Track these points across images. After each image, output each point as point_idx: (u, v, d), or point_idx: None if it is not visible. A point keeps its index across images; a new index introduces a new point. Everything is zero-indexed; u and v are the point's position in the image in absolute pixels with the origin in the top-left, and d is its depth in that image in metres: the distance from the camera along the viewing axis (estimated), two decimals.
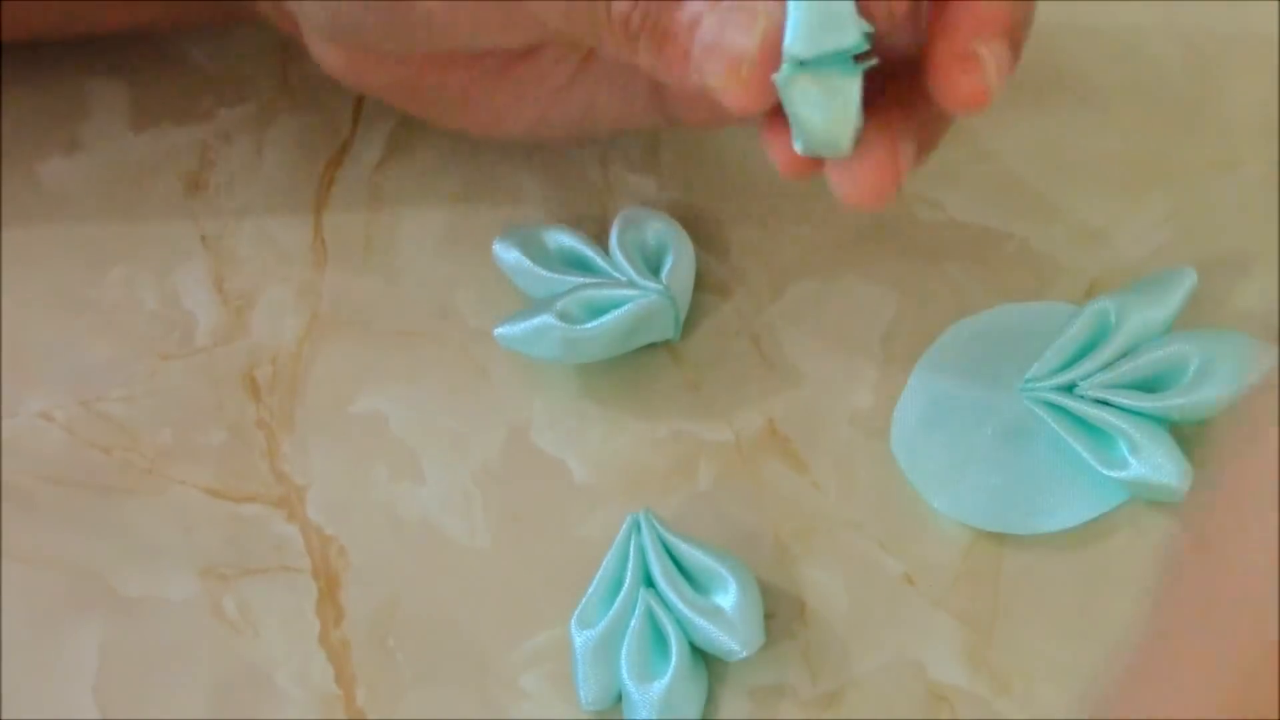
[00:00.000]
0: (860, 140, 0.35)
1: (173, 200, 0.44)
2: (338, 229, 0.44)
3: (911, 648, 0.37)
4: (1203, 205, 0.42)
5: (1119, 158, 0.43)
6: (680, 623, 0.37)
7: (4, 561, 0.39)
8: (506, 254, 0.41)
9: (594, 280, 0.41)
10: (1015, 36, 0.35)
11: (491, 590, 0.39)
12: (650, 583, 0.37)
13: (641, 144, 0.44)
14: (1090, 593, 0.37)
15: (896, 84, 0.35)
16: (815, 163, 0.36)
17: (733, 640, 0.36)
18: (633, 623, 0.37)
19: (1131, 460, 0.37)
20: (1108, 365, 0.38)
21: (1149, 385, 0.38)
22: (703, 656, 0.37)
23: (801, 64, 0.34)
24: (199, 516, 0.40)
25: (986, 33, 0.34)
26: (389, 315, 0.42)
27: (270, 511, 0.40)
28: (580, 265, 0.41)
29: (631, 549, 0.37)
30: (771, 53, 0.34)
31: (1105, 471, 0.38)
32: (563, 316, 0.39)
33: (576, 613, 0.37)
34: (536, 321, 0.39)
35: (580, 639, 0.37)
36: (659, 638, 0.37)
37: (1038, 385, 0.39)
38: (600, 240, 0.42)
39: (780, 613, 0.38)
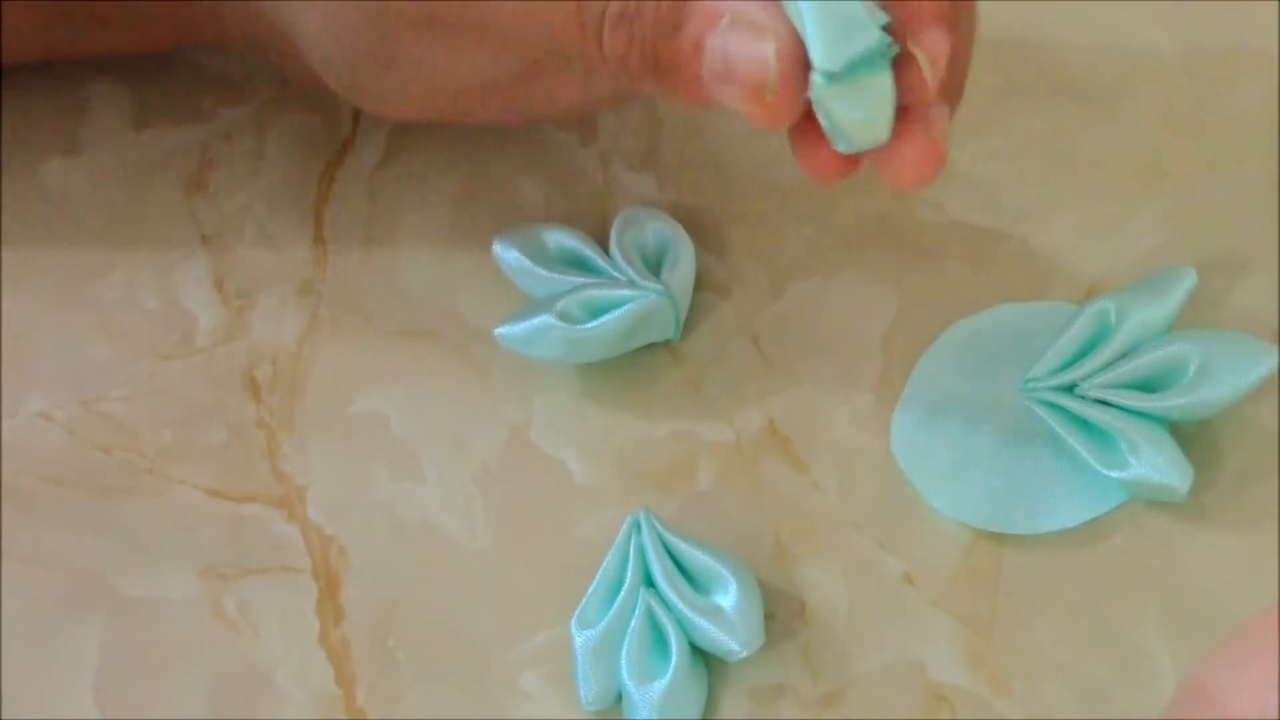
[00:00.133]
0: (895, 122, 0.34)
1: (173, 200, 0.44)
2: (338, 229, 0.44)
3: (911, 648, 0.37)
4: (1203, 205, 0.42)
5: (1119, 158, 0.43)
6: (680, 623, 0.37)
7: (4, 561, 0.39)
8: (506, 254, 0.41)
9: (594, 280, 0.41)
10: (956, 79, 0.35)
11: (491, 590, 0.39)
12: (650, 583, 0.37)
13: (641, 144, 0.44)
14: (1090, 593, 0.37)
15: (903, 50, 0.35)
16: (850, 163, 0.35)
17: (733, 640, 0.36)
18: (633, 623, 0.37)
19: (1131, 460, 0.37)
20: (1108, 365, 0.38)
21: (1149, 385, 0.38)
22: (703, 656, 0.37)
23: (831, 75, 0.33)
24: (199, 516, 0.40)
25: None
26: (389, 315, 0.42)
27: (270, 511, 0.40)
28: (580, 265, 0.41)
29: (631, 549, 0.37)
30: (792, 71, 0.34)
31: (1105, 471, 0.38)
32: (563, 316, 0.39)
33: (576, 613, 0.37)
34: (537, 321, 0.39)
35: (580, 639, 0.37)
36: (659, 638, 0.37)
37: (1038, 385, 0.39)
38: (600, 240, 0.42)
39: (780, 613, 0.38)
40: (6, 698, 0.38)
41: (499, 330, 0.40)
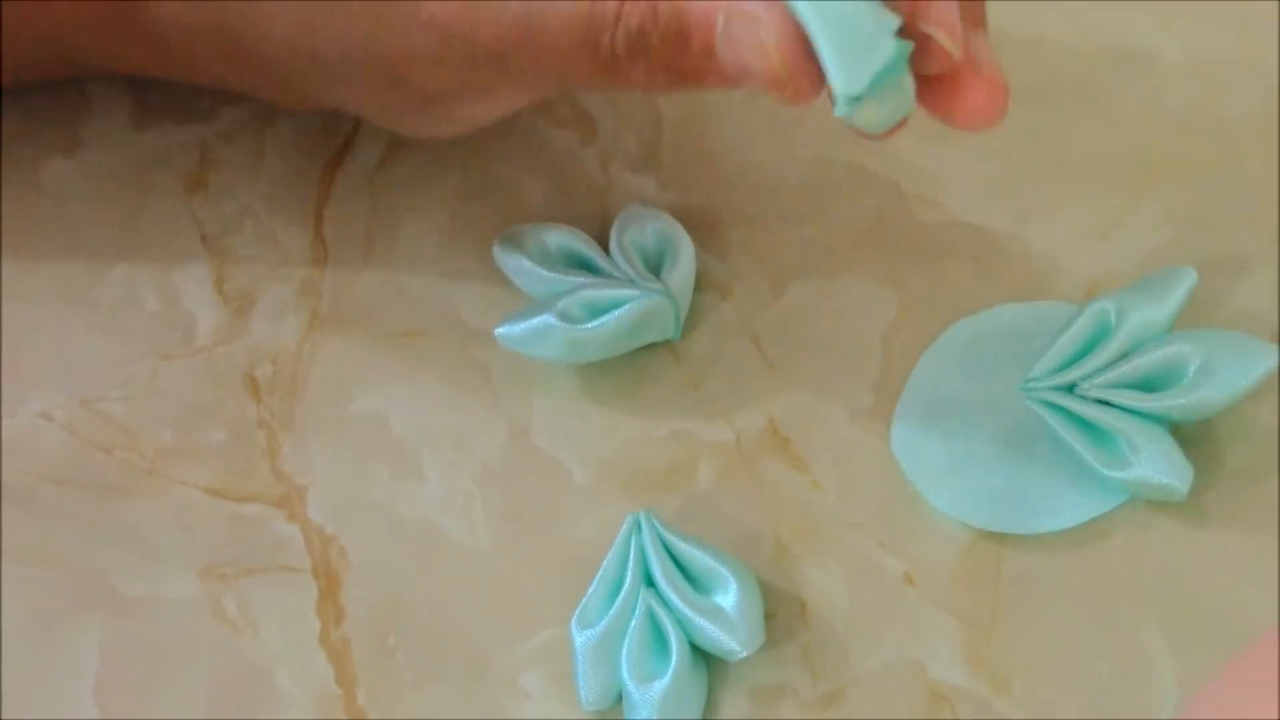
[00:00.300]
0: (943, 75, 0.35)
1: (173, 200, 0.44)
2: (338, 229, 0.44)
3: (911, 648, 0.37)
4: (1203, 205, 0.42)
5: (1119, 158, 0.43)
6: (680, 623, 0.37)
7: (4, 561, 0.39)
8: (506, 254, 0.41)
9: (594, 280, 0.41)
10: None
11: (492, 590, 0.39)
12: (650, 583, 0.37)
13: (641, 144, 0.44)
14: (1090, 593, 0.37)
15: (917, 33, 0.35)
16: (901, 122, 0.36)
17: (733, 640, 0.36)
18: (633, 623, 0.37)
19: (1131, 460, 0.37)
20: (1108, 365, 0.38)
21: (1149, 385, 0.38)
22: (703, 656, 0.37)
23: (855, 98, 0.34)
24: (199, 516, 0.40)
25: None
26: (389, 315, 0.42)
27: (270, 511, 0.40)
28: (580, 265, 0.41)
29: (632, 549, 0.37)
30: (797, 56, 0.34)
31: (1105, 471, 0.38)
32: (563, 316, 0.39)
33: (577, 613, 0.37)
34: (537, 321, 0.39)
35: (580, 639, 0.37)
36: (659, 638, 0.37)
37: (1038, 385, 0.39)
38: (600, 240, 0.42)
39: (780, 613, 0.38)
40: (6, 698, 0.38)
41: (499, 330, 0.40)
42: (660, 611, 0.37)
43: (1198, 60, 0.44)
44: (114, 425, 0.41)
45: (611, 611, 0.37)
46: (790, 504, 0.39)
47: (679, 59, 0.36)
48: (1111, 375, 0.38)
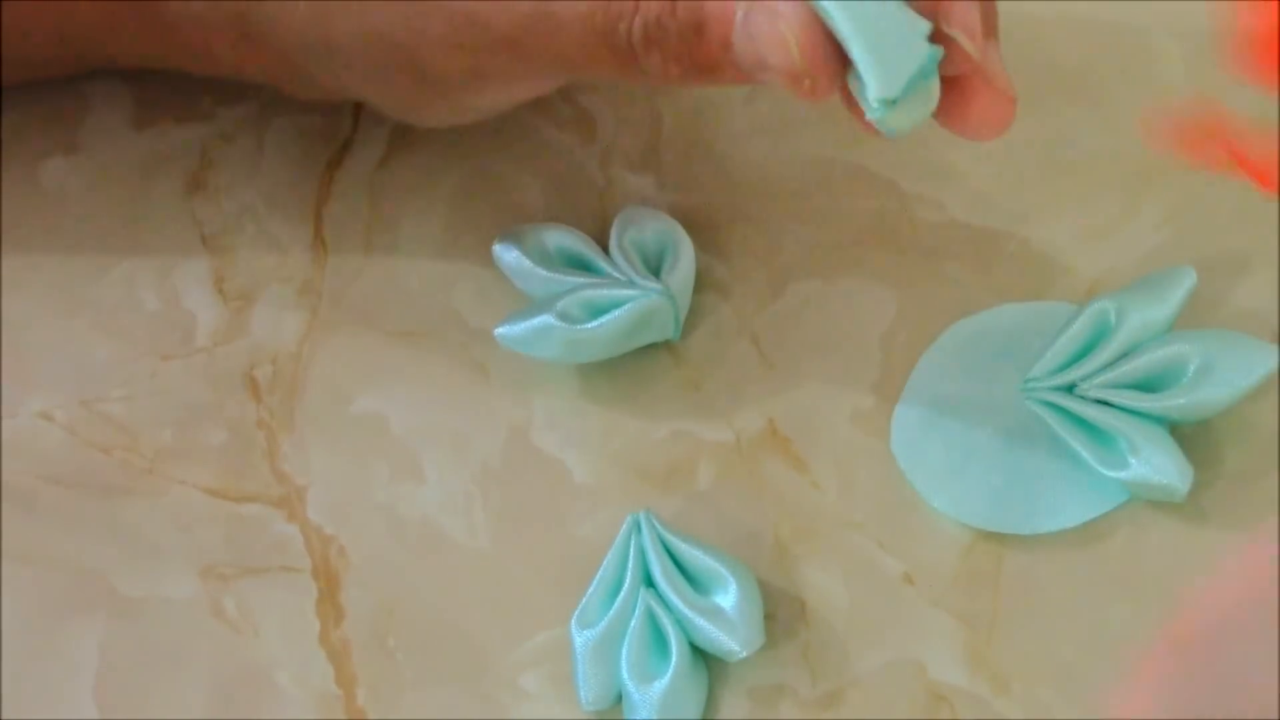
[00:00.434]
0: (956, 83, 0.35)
1: (173, 200, 0.44)
2: (338, 229, 0.44)
3: (911, 648, 0.37)
4: (1203, 205, 0.42)
5: (1119, 158, 0.43)
6: (680, 623, 0.37)
7: (4, 561, 0.39)
8: (506, 254, 0.41)
9: (594, 280, 0.41)
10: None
11: (491, 590, 0.39)
12: (650, 583, 0.37)
13: (641, 144, 0.44)
14: (1090, 593, 0.37)
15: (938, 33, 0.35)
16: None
17: (733, 640, 0.36)
18: (633, 623, 0.37)
19: (1131, 460, 0.37)
20: (1108, 365, 0.38)
21: (1149, 385, 0.38)
22: (703, 656, 0.37)
23: (890, 102, 0.34)
24: (199, 516, 0.40)
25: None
26: (389, 315, 0.42)
27: (270, 511, 0.40)
28: (580, 265, 0.41)
29: (631, 549, 0.37)
30: (817, 51, 0.34)
31: (1105, 471, 0.38)
32: (563, 316, 0.39)
33: (576, 613, 0.37)
34: (537, 321, 0.39)
35: (580, 639, 0.37)
36: (659, 638, 0.37)
37: (1038, 385, 0.39)
38: (600, 240, 0.42)
39: (780, 613, 0.38)
40: (6, 698, 0.38)
41: (499, 330, 0.40)
42: (660, 611, 0.37)
43: (1198, 60, 0.44)
44: (114, 425, 0.41)
45: (611, 611, 0.37)
46: (790, 504, 0.39)
47: (695, 51, 0.36)
48: (1111, 375, 0.38)
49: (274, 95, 0.45)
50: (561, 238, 0.42)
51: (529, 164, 0.44)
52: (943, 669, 0.37)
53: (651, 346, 0.41)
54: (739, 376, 0.41)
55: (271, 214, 0.44)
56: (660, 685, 0.36)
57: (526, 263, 0.41)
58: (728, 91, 0.44)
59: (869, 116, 0.34)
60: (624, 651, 0.37)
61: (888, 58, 0.34)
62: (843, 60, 0.34)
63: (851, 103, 0.35)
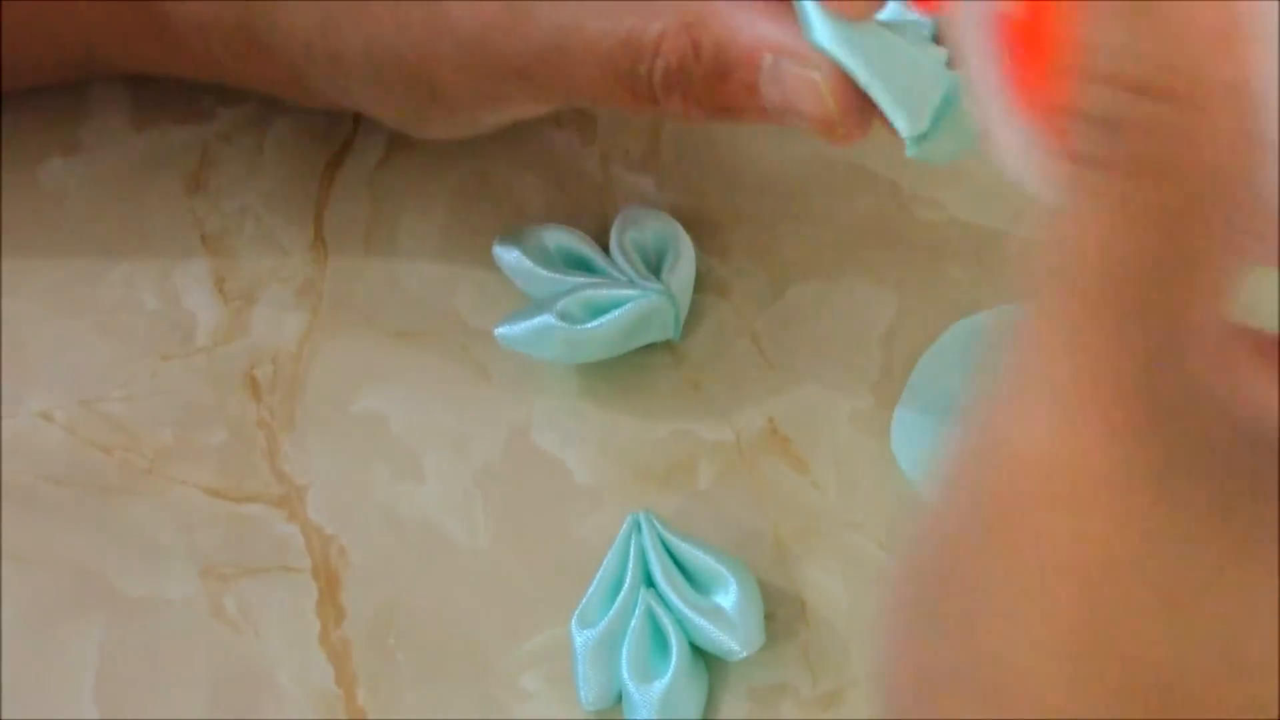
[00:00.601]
0: None
1: (173, 200, 0.44)
2: (338, 228, 0.44)
3: None
4: None
5: None
6: (680, 623, 0.37)
7: (4, 561, 0.39)
8: (506, 254, 0.41)
9: (594, 280, 0.41)
10: None
11: (492, 590, 0.39)
12: (650, 583, 0.37)
13: (641, 144, 0.44)
14: None
15: None
16: None
17: (733, 640, 0.36)
18: (633, 623, 0.37)
19: None
20: None
21: None
22: (703, 656, 0.37)
23: (920, 137, 0.34)
24: (199, 516, 0.40)
25: None
26: (389, 315, 0.42)
27: (270, 511, 0.40)
28: (580, 265, 0.41)
29: (631, 549, 0.37)
30: (850, 97, 0.34)
31: None
32: (563, 316, 0.39)
33: (577, 613, 0.37)
34: (537, 321, 0.40)
35: (581, 639, 0.37)
36: (659, 638, 0.37)
37: None
38: (600, 240, 0.42)
39: (780, 613, 0.38)
40: (6, 698, 0.38)
41: (499, 330, 0.40)
42: (660, 611, 0.37)
43: None
44: (114, 425, 0.41)
45: (611, 611, 0.37)
46: (790, 504, 0.39)
47: (718, 95, 0.35)
48: None
49: (274, 96, 0.45)
50: (561, 238, 0.42)
51: (529, 164, 0.44)
52: None
53: (651, 346, 0.41)
54: (739, 376, 0.41)
55: (271, 214, 0.44)
56: (660, 685, 0.36)
57: (526, 263, 0.41)
58: None
59: (908, 154, 0.34)
60: (624, 651, 0.37)
61: (907, 96, 0.33)
62: (871, 103, 0.34)
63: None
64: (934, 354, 0.41)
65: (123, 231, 0.44)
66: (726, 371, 0.41)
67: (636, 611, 0.37)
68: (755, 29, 0.35)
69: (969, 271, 0.42)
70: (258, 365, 0.42)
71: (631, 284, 0.40)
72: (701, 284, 0.42)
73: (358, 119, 0.45)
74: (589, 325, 0.39)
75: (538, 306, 0.40)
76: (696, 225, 0.42)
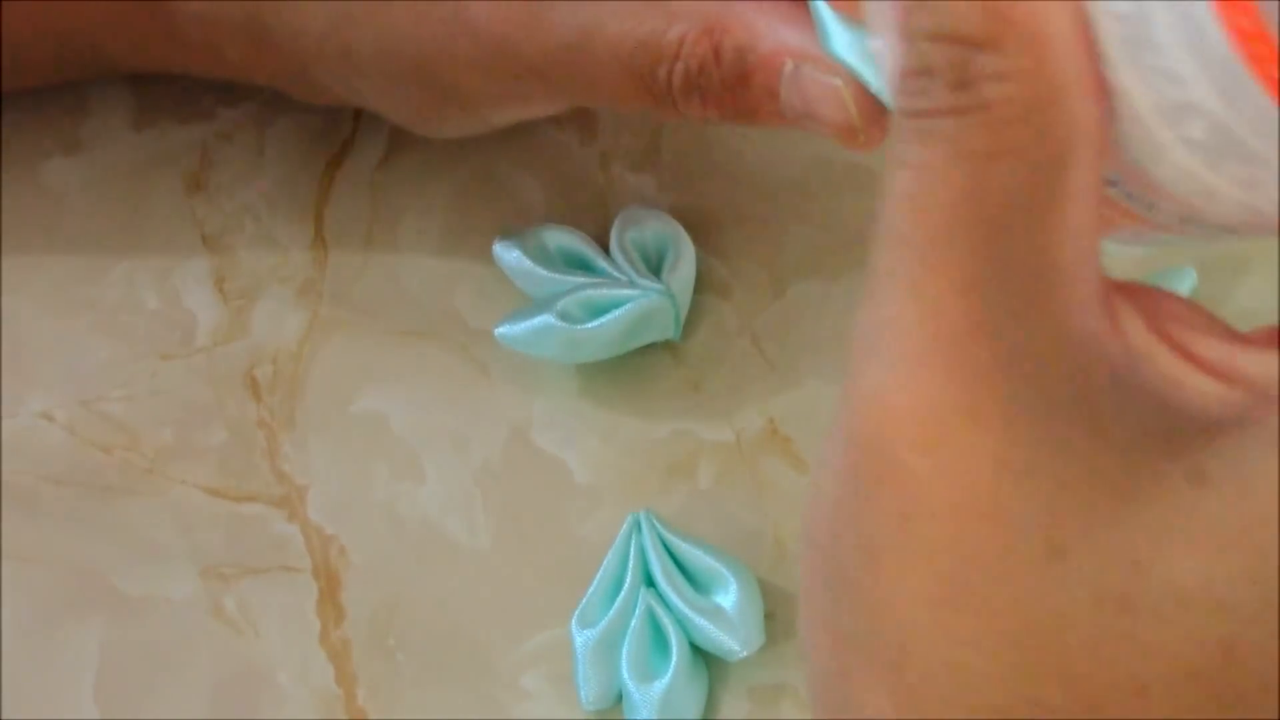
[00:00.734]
0: None
1: (173, 200, 0.44)
2: (338, 228, 0.44)
3: None
4: None
5: None
6: (680, 622, 0.37)
7: (4, 561, 0.39)
8: (506, 254, 0.41)
9: (594, 280, 0.41)
10: None
11: (492, 590, 0.39)
12: (651, 582, 0.37)
13: (641, 144, 0.44)
14: None
15: None
16: None
17: (733, 640, 0.36)
18: (633, 622, 0.37)
19: None
20: None
21: None
22: (703, 656, 0.37)
23: None
24: (199, 516, 0.40)
25: None
26: (389, 315, 0.42)
27: (270, 511, 0.40)
28: (580, 265, 0.41)
29: (632, 549, 0.37)
30: (871, 107, 0.34)
31: None
32: (563, 316, 0.39)
33: (577, 612, 0.37)
34: (537, 321, 0.39)
35: (581, 639, 0.37)
36: (659, 637, 0.37)
37: None
38: (600, 240, 0.42)
39: (780, 613, 0.38)
40: (6, 698, 0.38)
41: (499, 330, 0.40)
42: (660, 611, 0.37)
43: None
44: (114, 425, 0.41)
45: (611, 611, 0.37)
46: (790, 504, 0.39)
47: (738, 99, 0.35)
48: None
49: (274, 95, 0.45)
50: (562, 238, 0.42)
51: (529, 164, 0.44)
52: None
53: (651, 346, 0.41)
54: (739, 376, 0.41)
55: (271, 214, 0.44)
56: (660, 685, 0.36)
57: (527, 263, 0.41)
58: None
59: None
60: (624, 651, 0.37)
61: None
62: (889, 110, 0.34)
63: None
64: None
65: (123, 231, 0.44)
66: (726, 371, 0.41)
67: (636, 611, 0.37)
68: (777, 34, 0.34)
69: None
70: (258, 365, 0.42)
71: (631, 284, 0.40)
72: (701, 284, 0.42)
73: (358, 118, 0.45)
74: (589, 325, 0.39)
75: (538, 306, 0.40)
76: (696, 225, 0.42)
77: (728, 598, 0.37)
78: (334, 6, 0.37)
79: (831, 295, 0.42)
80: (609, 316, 0.39)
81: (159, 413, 0.41)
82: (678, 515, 0.39)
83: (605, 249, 0.41)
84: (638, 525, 0.38)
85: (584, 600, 0.37)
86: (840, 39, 0.33)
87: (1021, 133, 0.22)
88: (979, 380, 0.22)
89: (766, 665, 0.37)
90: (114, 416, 0.41)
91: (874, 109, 0.34)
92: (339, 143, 0.45)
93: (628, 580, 0.37)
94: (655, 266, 0.41)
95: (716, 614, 0.37)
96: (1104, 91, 0.22)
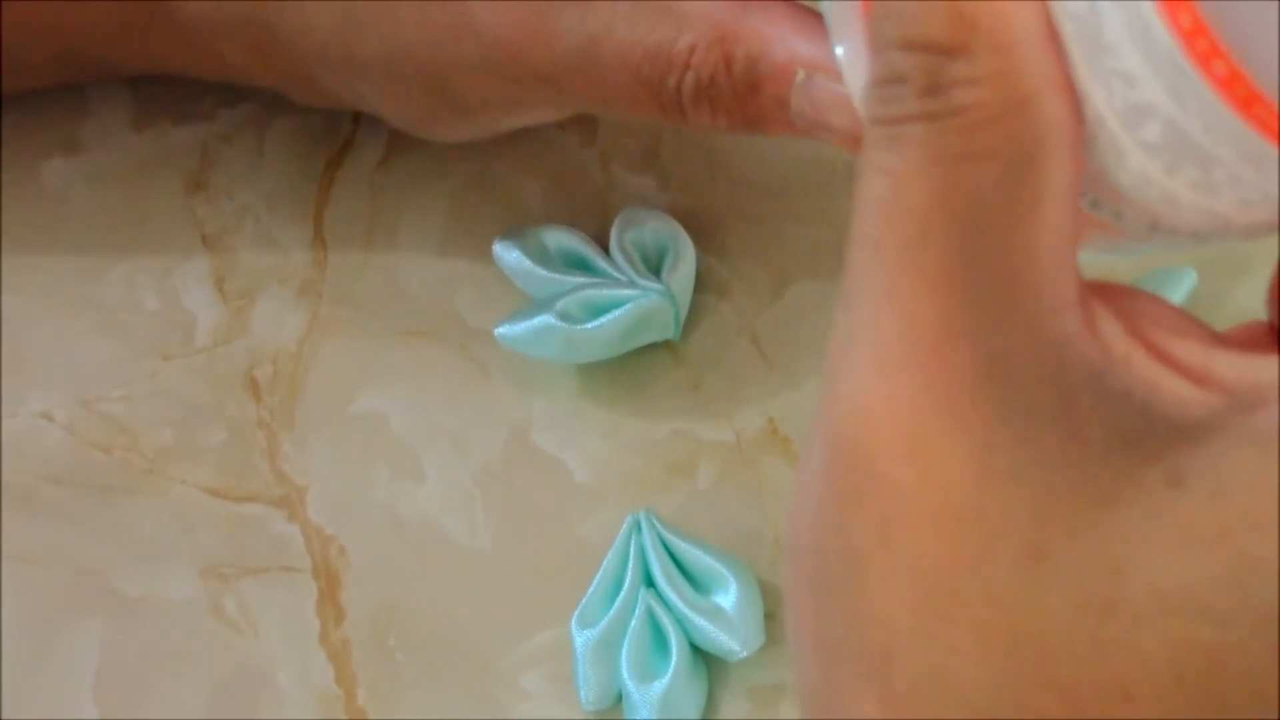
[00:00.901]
0: None
1: (173, 200, 0.44)
2: (338, 228, 0.44)
3: None
4: None
5: None
6: (680, 622, 0.37)
7: (4, 561, 0.39)
8: (506, 254, 0.41)
9: (594, 280, 0.41)
10: None
11: (492, 590, 0.39)
12: (650, 583, 0.37)
13: (641, 144, 0.44)
14: None
15: None
16: None
17: (733, 640, 0.36)
18: (633, 623, 0.37)
19: None
20: None
21: None
22: (703, 656, 0.37)
23: None
24: (199, 516, 0.40)
25: None
26: (389, 315, 0.42)
27: (270, 511, 0.40)
28: (580, 265, 0.41)
29: (631, 549, 0.37)
30: None
31: None
32: (563, 316, 0.39)
33: (577, 613, 0.37)
34: (537, 321, 0.39)
35: (580, 639, 0.37)
36: (659, 638, 0.37)
37: None
38: (600, 240, 0.42)
39: (780, 613, 0.38)
40: (6, 698, 0.38)
41: (499, 330, 0.40)
42: (660, 611, 0.37)
43: None
44: (114, 425, 0.41)
45: (611, 611, 0.37)
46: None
47: (747, 108, 0.35)
48: None
49: (274, 95, 0.45)
50: (561, 238, 0.42)
51: (529, 164, 0.44)
52: None
53: (651, 346, 0.41)
54: (739, 376, 0.41)
55: (271, 214, 0.44)
56: (660, 685, 0.36)
57: (526, 263, 0.41)
58: None
59: None
60: (624, 651, 0.37)
61: None
62: None
63: None
64: None
65: (123, 231, 0.44)
66: (726, 371, 0.41)
67: (636, 611, 0.37)
68: (788, 44, 0.34)
69: None
70: (258, 365, 0.42)
71: (631, 284, 0.40)
72: (701, 284, 0.42)
73: (358, 119, 0.45)
74: (589, 325, 0.39)
75: (538, 306, 0.40)
76: (696, 225, 0.42)
77: (728, 598, 0.37)
78: (338, 9, 0.37)
79: (831, 295, 0.42)
80: (609, 316, 0.39)
81: (159, 413, 0.41)
82: (678, 515, 0.39)
83: (605, 249, 0.41)
84: (638, 525, 0.38)
85: (584, 600, 0.37)
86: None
87: (993, 136, 0.22)
88: (957, 384, 0.22)
89: (766, 665, 0.37)
90: (114, 416, 0.41)
91: None
92: (339, 143, 0.45)
93: (628, 580, 0.37)
94: (655, 266, 0.41)
95: (716, 614, 0.37)
96: (1074, 94, 0.22)
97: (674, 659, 0.36)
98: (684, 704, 0.36)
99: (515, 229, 0.42)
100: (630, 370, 0.41)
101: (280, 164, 0.45)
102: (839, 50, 0.26)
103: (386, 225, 0.44)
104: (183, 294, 0.43)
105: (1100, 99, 0.22)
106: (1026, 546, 0.22)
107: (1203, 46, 0.21)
